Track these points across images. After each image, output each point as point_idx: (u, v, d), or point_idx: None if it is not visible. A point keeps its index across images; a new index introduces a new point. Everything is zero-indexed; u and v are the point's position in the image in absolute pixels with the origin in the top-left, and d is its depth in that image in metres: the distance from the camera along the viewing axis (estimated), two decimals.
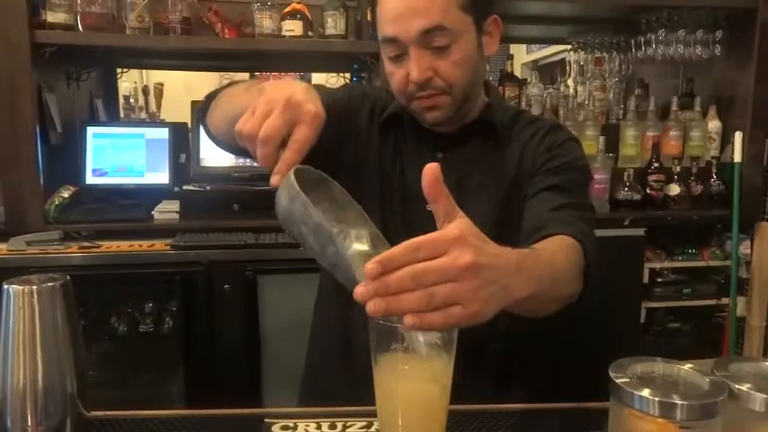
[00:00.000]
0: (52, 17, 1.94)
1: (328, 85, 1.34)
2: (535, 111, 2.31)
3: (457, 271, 0.56)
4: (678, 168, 2.24)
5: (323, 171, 0.77)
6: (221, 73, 4.79)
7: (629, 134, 2.29)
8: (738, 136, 2.18)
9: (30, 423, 0.75)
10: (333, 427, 0.82)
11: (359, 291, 0.56)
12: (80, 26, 1.97)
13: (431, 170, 0.63)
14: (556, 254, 0.85)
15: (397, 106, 1.10)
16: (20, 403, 0.74)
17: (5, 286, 0.74)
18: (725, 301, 2.29)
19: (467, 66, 1.01)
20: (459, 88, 1.01)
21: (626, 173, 2.22)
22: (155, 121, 3.51)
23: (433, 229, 0.96)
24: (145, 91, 3.95)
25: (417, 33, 0.96)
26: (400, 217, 1.07)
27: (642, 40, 2.29)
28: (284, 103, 0.75)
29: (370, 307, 0.55)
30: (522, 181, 1.08)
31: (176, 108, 3.29)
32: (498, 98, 1.19)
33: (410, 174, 1.08)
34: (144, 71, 4.17)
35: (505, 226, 1.04)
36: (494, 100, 1.14)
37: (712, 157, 2.31)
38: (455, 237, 0.59)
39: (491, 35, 1.05)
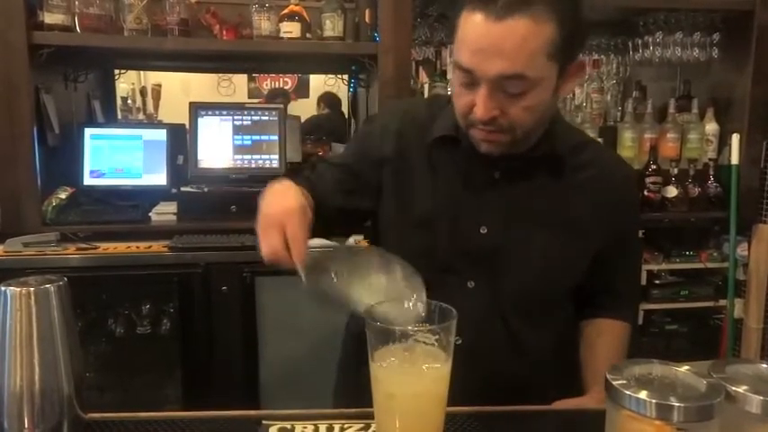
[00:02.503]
0: (50, 18, 1.93)
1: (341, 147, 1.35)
2: None
3: None
4: (675, 170, 2.25)
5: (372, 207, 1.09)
6: (219, 75, 4.80)
7: (627, 136, 2.30)
8: (736, 138, 2.18)
9: (26, 425, 0.74)
10: (330, 429, 0.82)
11: None
12: (78, 27, 1.97)
13: None
14: (621, 357, 1.11)
15: (450, 127, 1.05)
16: (17, 405, 0.74)
17: (2, 288, 0.74)
18: (722, 303, 2.29)
19: (537, 111, 0.95)
20: (522, 130, 0.97)
21: None
22: (152, 123, 3.52)
23: (483, 248, 1.05)
24: (142, 92, 3.95)
25: (495, 76, 0.89)
26: (452, 235, 1.05)
27: (639, 42, 2.29)
28: (264, 223, 0.90)
29: None
30: (584, 225, 1.06)
31: (174, 109, 3.29)
32: (561, 122, 1.14)
33: (465, 192, 1.06)
34: (142, 72, 4.17)
35: (553, 261, 1.05)
36: (556, 125, 1.08)
37: (710, 160, 2.31)
38: None
39: (571, 78, 0.98)
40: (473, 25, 0.89)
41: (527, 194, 1.06)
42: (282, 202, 0.91)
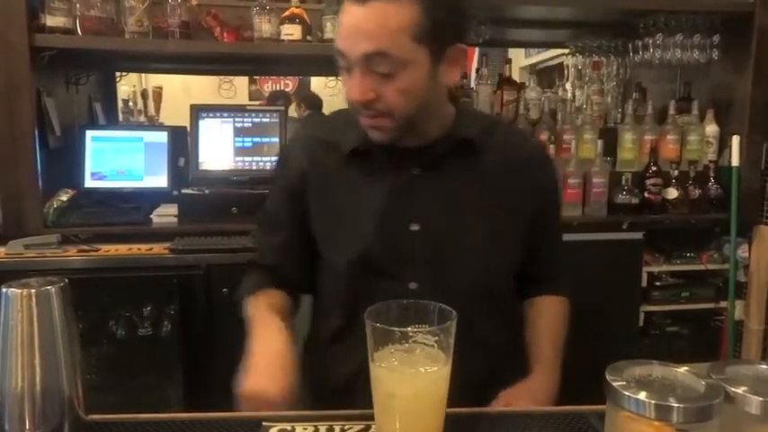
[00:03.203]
0: (51, 21, 1.94)
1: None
2: (533, 114, 2.32)
3: None
4: (676, 172, 2.25)
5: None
6: (220, 77, 4.81)
7: (627, 138, 2.30)
8: (736, 140, 2.18)
9: (28, 426, 0.75)
10: (330, 430, 0.83)
11: None
12: (79, 30, 1.97)
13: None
14: (560, 333, 1.17)
15: (358, 138, 1.08)
16: (18, 407, 0.74)
17: (4, 289, 0.74)
18: (723, 304, 2.29)
19: (412, 94, 0.98)
20: (402, 114, 0.99)
21: (624, 177, 2.22)
22: (153, 125, 3.52)
23: (417, 246, 1.05)
24: (144, 95, 3.96)
25: (360, 56, 0.95)
26: (382, 238, 1.06)
27: (640, 44, 2.30)
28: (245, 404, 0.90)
29: None
30: (509, 205, 1.10)
31: (175, 112, 3.30)
32: (467, 108, 1.20)
33: (388, 194, 1.07)
34: (143, 75, 4.18)
35: (489, 247, 1.08)
36: (462, 111, 1.12)
37: (710, 161, 2.31)
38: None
39: (453, 63, 1.02)
40: (344, 12, 0.96)
41: (449, 185, 1.08)
42: (269, 381, 0.91)
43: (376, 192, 1.08)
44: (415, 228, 1.06)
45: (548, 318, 1.18)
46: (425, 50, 0.96)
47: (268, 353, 0.96)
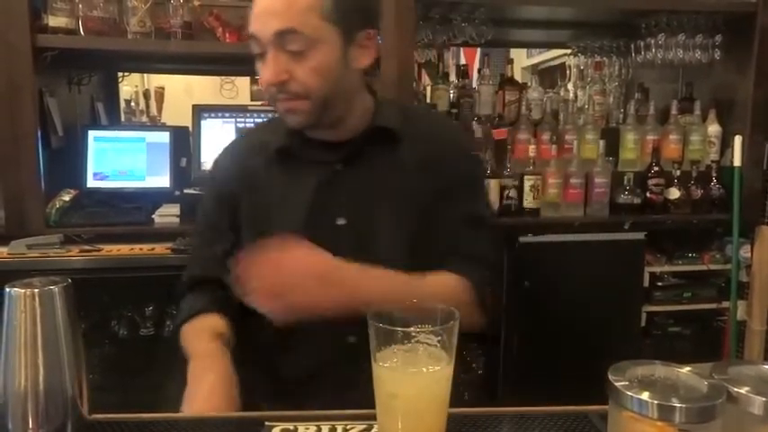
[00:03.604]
0: (54, 21, 1.94)
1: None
2: (535, 115, 2.32)
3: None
4: (678, 172, 2.25)
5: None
6: (222, 77, 4.81)
7: (629, 138, 2.30)
8: (738, 140, 2.18)
9: (31, 426, 0.75)
10: (333, 429, 0.83)
11: None
12: (82, 30, 1.98)
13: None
14: (438, 293, 1.00)
15: (281, 139, 1.11)
16: (21, 406, 0.74)
17: (7, 289, 0.74)
18: (725, 304, 2.28)
19: (325, 74, 1.01)
20: (317, 95, 1.02)
21: (626, 177, 2.22)
22: (156, 125, 3.53)
23: (344, 240, 1.06)
24: (146, 95, 3.97)
25: (272, 34, 0.98)
26: (310, 234, 1.04)
27: (642, 44, 2.29)
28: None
29: None
30: (431, 194, 1.09)
31: (177, 112, 3.30)
32: (386, 99, 1.21)
33: (313, 190, 1.09)
34: (145, 75, 4.19)
35: (415, 236, 1.08)
36: (379, 102, 1.14)
37: (712, 161, 2.31)
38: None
39: (364, 48, 1.06)
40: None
41: (371, 177, 1.09)
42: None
43: (302, 189, 1.10)
44: (341, 222, 1.08)
45: (433, 277, 1.06)
46: (335, 30, 1.00)
47: (205, 383, 1.00)
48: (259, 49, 1.03)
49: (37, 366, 0.74)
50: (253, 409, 1.01)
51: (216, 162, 1.26)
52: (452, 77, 2.49)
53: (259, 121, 2.26)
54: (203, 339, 1.09)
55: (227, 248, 1.16)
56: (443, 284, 1.06)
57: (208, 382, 0.99)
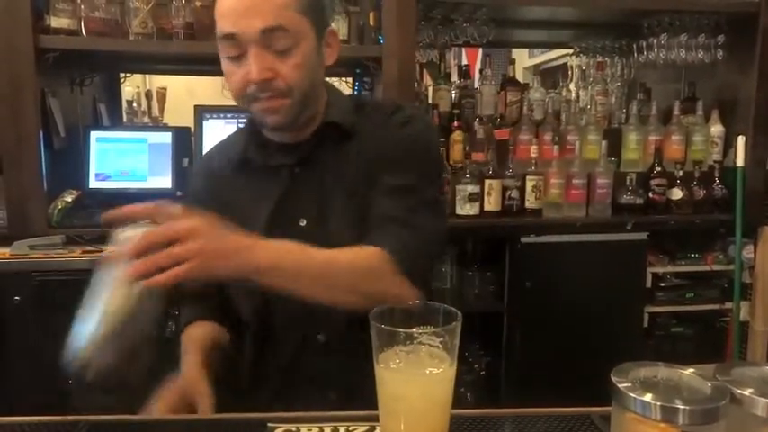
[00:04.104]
0: (56, 22, 1.94)
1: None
2: (537, 115, 2.32)
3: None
4: (681, 173, 2.24)
5: None
6: (223, 78, 4.81)
7: (632, 138, 2.29)
8: (741, 140, 2.17)
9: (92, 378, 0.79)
10: (335, 430, 0.83)
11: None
12: (84, 31, 1.98)
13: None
14: (338, 261, 0.95)
15: (239, 151, 1.12)
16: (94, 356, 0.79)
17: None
18: (728, 305, 2.28)
19: (307, 69, 1.01)
20: (299, 91, 1.01)
21: (628, 177, 2.22)
22: (158, 126, 3.52)
23: (307, 242, 0.99)
24: (148, 96, 3.96)
25: (258, 32, 0.96)
26: (276, 237, 1.00)
27: (644, 44, 2.29)
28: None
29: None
30: (374, 172, 1.07)
31: (179, 113, 3.29)
32: (336, 94, 1.16)
33: (274, 195, 1.08)
34: (147, 76, 4.18)
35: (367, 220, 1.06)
36: (331, 98, 1.13)
37: (715, 162, 2.31)
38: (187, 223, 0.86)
39: (330, 46, 1.07)
40: None
41: (327, 175, 1.08)
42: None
43: (265, 195, 1.10)
44: (303, 223, 1.08)
45: (346, 249, 0.99)
46: (310, 23, 1.00)
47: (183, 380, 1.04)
48: (235, 51, 1.00)
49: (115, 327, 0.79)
50: (250, 410, 1.01)
51: (188, 178, 1.28)
52: (454, 78, 2.49)
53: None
54: (189, 351, 1.13)
55: None
56: (355, 255, 0.97)
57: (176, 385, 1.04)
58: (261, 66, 0.97)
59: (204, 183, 1.21)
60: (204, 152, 2.16)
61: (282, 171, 1.10)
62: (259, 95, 1.00)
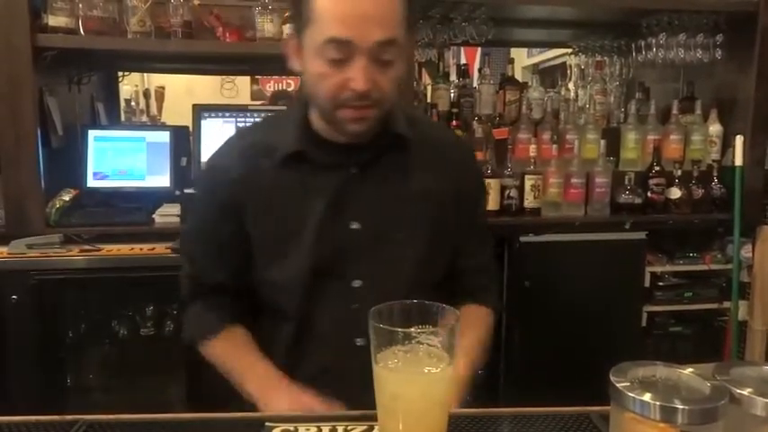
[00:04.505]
0: (54, 21, 1.94)
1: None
2: (536, 114, 2.32)
3: None
4: (679, 172, 2.24)
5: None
6: (222, 77, 4.81)
7: (630, 138, 2.29)
8: (739, 140, 2.18)
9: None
10: (333, 430, 0.82)
11: None
12: (82, 30, 1.97)
13: None
14: (481, 342, 1.15)
15: (295, 142, 1.07)
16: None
17: None
18: (726, 305, 2.28)
19: (399, 82, 1.00)
20: (389, 103, 1.01)
21: (627, 176, 2.22)
22: (156, 125, 3.52)
23: (358, 244, 1.05)
24: (146, 94, 3.96)
25: (374, 43, 0.92)
26: (322, 236, 1.05)
27: (643, 43, 2.29)
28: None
29: None
30: (439, 197, 1.10)
31: (177, 111, 3.30)
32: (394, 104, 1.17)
33: (327, 194, 1.06)
34: (145, 75, 4.19)
35: (427, 241, 1.09)
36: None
37: (713, 161, 2.31)
38: None
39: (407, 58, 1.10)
40: None
41: (385, 181, 1.08)
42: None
43: (315, 193, 1.07)
44: (355, 226, 1.07)
45: (475, 327, 1.16)
46: (408, 38, 0.99)
47: (273, 376, 1.06)
48: (342, 55, 0.93)
49: None
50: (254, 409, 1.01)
51: (212, 165, 1.18)
52: (453, 77, 2.48)
53: (259, 120, 2.26)
54: (250, 354, 1.14)
55: (229, 256, 1.14)
56: (484, 330, 1.17)
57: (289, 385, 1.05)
58: (368, 77, 0.94)
59: (237, 174, 1.10)
60: (208, 152, 2.17)
61: (338, 171, 1.08)
62: (354, 103, 0.97)
